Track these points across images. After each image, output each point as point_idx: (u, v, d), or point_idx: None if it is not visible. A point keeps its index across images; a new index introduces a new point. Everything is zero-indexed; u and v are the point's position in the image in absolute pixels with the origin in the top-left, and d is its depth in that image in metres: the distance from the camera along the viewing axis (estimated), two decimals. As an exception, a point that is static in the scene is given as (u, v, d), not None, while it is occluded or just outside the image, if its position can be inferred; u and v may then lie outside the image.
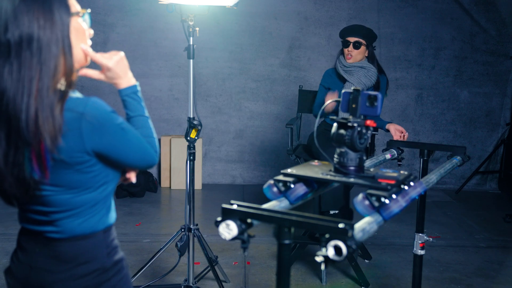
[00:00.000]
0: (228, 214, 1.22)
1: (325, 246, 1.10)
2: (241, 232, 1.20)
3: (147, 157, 1.46)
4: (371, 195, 1.34)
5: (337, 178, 1.48)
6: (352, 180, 1.47)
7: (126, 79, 1.51)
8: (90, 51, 1.44)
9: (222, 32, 5.24)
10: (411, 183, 1.45)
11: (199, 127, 2.81)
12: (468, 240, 4.06)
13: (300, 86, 4.11)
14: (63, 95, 1.33)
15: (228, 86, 5.40)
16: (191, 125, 2.81)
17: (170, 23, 5.07)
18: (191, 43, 2.78)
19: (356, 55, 3.46)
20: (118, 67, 1.48)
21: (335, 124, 1.52)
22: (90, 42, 1.45)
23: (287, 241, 1.18)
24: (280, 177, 1.48)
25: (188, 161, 2.87)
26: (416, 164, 5.33)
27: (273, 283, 3.16)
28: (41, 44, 1.31)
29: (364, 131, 1.49)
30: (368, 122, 1.50)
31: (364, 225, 1.22)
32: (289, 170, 1.50)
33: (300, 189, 1.48)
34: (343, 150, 1.50)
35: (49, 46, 1.32)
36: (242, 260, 3.52)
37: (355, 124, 1.47)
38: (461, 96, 5.52)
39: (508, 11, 5.32)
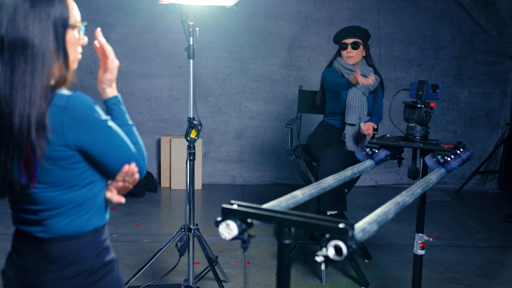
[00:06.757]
0: (228, 214, 1.22)
1: (325, 246, 1.10)
2: (241, 232, 1.20)
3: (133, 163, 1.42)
4: (438, 154, 1.95)
5: (410, 144, 2.11)
6: (421, 145, 2.09)
7: (113, 89, 1.52)
8: (105, 43, 1.48)
9: (222, 32, 5.24)
10: (461, 149, 2.04)
11: (199, 127, 2.81)
12: (468, 240, 4.06)
13: (300, 86, 4.11)
14: (50, 92, 1.32)
15: (228, 86, 5.40)
16: (191, 125, 2.81)
17: (170, 23, 5.06)
18: (191, 43, 2.78)
19: (356, 56, 3.46)
20: (115, 72, 1.51)
21: (405, 105, 2.17)
22: (80, 50, 1.44)
23: (287, 241, 1.18)
24: (367, 144, 2.09)
25: (188, 161, 2.87)
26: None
27: (273, 283, 3.15)
28: (35, 52, 1.30)
29: (429, 110, 2.10)
30: (432, 104, 2.11)
31: (364, 225, 1.22)
32: (374, 140, 2.13)
33: (382, 153, 2.05)
34: (412, 124, 2.13)
35: (43, 55, 1.31)
36: (242, 260, 3.51)
37: (422, 106, 2.09)
38: (461, 96, 5.52)
39: (508, 11, 5.32)
